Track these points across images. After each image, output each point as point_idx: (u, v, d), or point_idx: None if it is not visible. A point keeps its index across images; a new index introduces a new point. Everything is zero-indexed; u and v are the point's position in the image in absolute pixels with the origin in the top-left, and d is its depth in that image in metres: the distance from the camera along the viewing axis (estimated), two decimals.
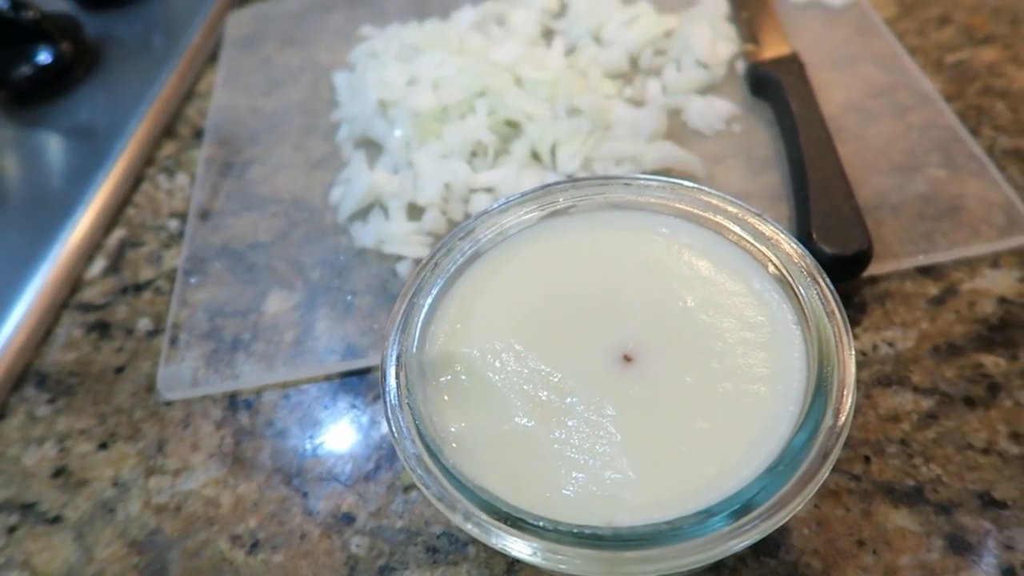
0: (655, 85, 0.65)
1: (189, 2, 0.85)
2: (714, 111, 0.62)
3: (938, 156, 0.57)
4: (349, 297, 0.55)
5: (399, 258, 0.56)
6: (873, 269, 0.50)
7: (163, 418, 0.51)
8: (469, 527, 0.31)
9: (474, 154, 0.62)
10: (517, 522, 0.31)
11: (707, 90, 0.65)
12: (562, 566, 0.31)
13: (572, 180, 0.44)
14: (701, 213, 0.41)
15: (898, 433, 0.44)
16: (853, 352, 0.33)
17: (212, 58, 0.80)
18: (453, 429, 0.36)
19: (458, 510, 0.32)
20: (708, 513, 0.30)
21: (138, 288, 0.60)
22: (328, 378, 0.52)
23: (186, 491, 0.47)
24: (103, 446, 0.51)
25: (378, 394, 0.50)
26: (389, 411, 0.35)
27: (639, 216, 0.43)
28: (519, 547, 0.31)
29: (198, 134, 0.72)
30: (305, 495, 0.46)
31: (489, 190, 0.59)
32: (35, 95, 0.76)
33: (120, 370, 0.55)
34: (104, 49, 0.80)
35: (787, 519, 0.30)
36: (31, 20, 0.74)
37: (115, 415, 0.52)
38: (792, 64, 0.61)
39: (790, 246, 0.38)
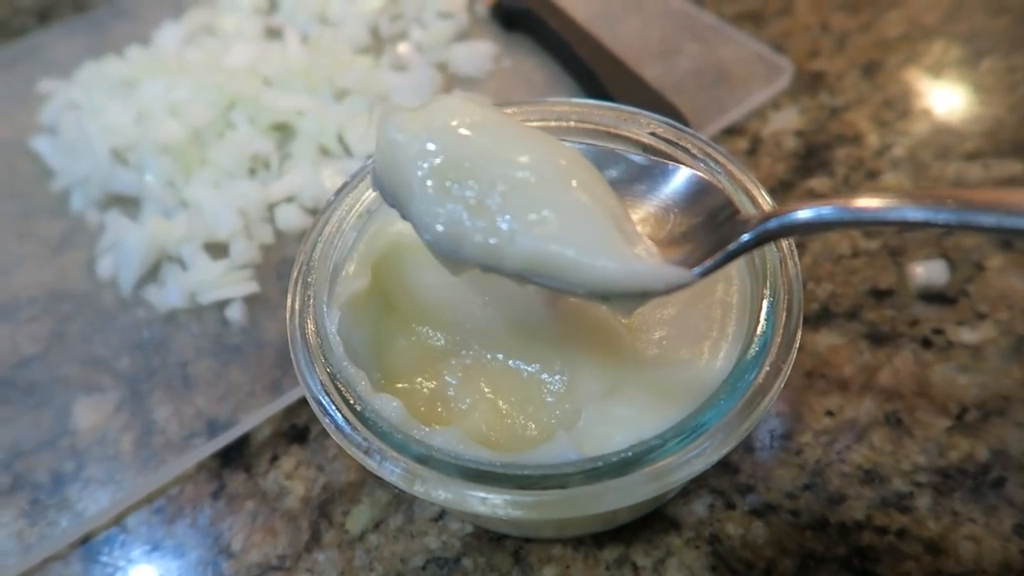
0: (407, 47, 0.62)
1: None
2: (478, 54, 0.60)
3: (686, 35, 0.61)
4: (182, 369, 0.45)
5: (224, 303, 0.47)
6: None
7: None
8: None
9: (252, 170, 0.54)
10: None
11: (460, 38, 0.63)
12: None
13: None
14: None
15: None
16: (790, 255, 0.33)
17: None
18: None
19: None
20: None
21: None
22: (202, 467, 0.42)
23: None
24: None
25: (275, 454, 0.42)
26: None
27: None
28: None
29: None
30: None
31: (291, 199, 0.52)
32: None
33: None
34: None
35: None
36: None
37: None
38: None
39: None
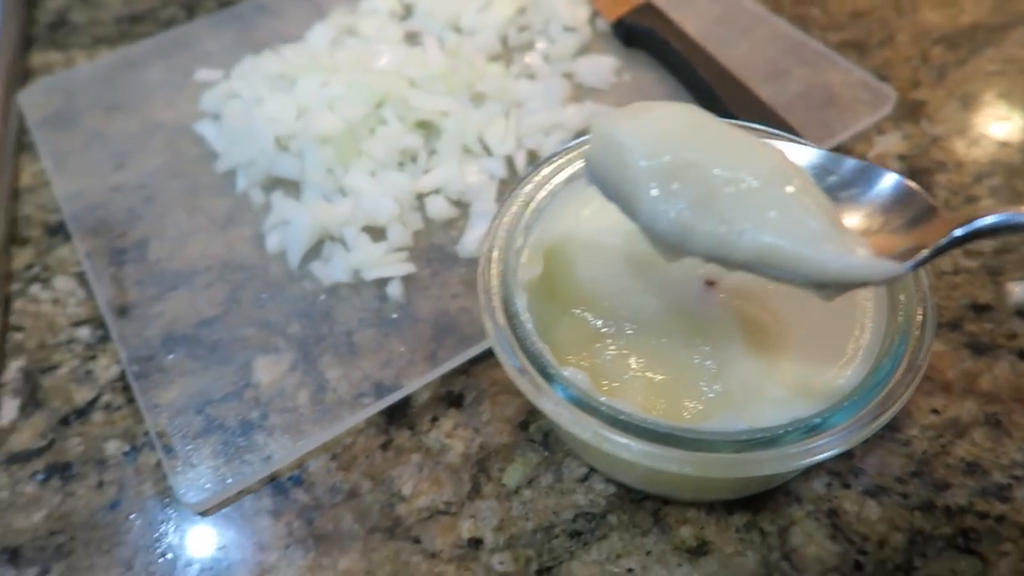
0: (535, 57, 0.68)
1: None
2: (602, 67, 0.66)
3: (794, 60, 0.66)
4: (348, 337, 0.51)
5: (384, 281, 0.53)
6: None
7: (203, 535, 0.44)
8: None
9: (401, 163, 0.60)
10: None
11: (583, 51, 0.68)
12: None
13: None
14: None
15: None
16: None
17: (21, 148, 0.68)
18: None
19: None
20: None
21: (80, 413, 0.50)
22: (371, 423, 0.48)
23: None
24: None
25: (435, 416, 0.48)
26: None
27: None
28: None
29: (54, 231, 0.62)
30: (418, 540, 0.43)
31: (437, 191, 0.58)
32: None
33: (115, 505, 0.46)
34: None
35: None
36: None
37: (143, 553, 0.44)
38: (653, 11, 0.67)
39: None
